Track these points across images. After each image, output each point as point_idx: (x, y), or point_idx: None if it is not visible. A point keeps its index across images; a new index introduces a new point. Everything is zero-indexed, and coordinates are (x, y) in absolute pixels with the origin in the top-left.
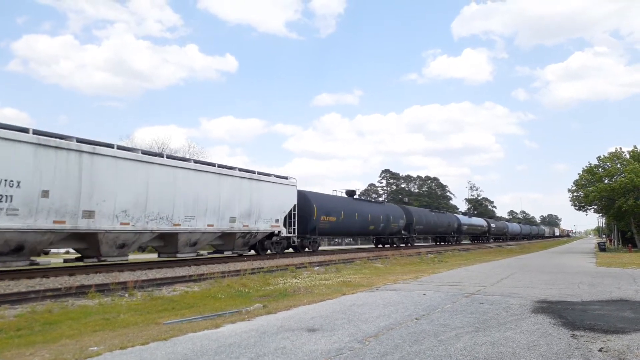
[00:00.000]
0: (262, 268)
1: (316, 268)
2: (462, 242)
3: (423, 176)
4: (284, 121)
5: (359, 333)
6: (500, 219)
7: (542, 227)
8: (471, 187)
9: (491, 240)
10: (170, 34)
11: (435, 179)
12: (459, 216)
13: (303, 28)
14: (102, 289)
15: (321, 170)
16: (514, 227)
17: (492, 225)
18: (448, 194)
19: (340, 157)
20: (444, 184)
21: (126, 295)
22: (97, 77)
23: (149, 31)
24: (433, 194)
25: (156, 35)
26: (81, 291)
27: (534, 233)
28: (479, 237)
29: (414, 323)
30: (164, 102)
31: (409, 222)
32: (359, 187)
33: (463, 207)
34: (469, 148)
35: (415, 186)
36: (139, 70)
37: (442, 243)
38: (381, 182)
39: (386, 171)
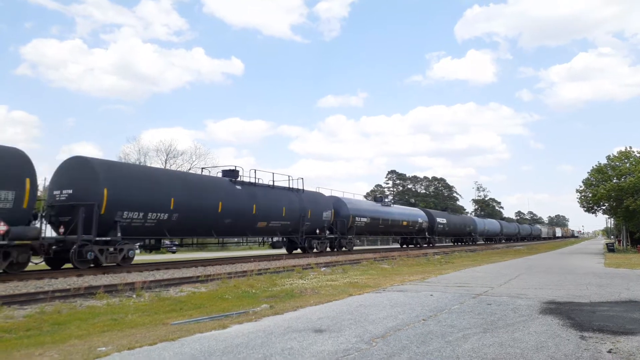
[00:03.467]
0: (269, 269)
1: (323, 269)
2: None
3: (430, 177)
4: (289, 123)
5: (366, 334)
6: (491, 216)
7: (538, 226)
8: (478, 188)
9: (436, 244)
10: (176, 38)
11: (442, 179)
12: (354, 200)
13: (308, 31)
14: (110, 289)
15: (327, 172)
16: (489, 225)
17: (440, 220)
18: (455, 194)
19: (345, 158)
20: (451, 184)
21: (134, 296)
22: (104, 81)
23: (155, 35)
24: (440, 194)
25: (163, 39)
26: (89, 292)
27: (524, 233)
28: (413, 238)
29: (421, 324)
30: (170, 105)
31: (143, 208)
32: (365, 188)
33: (470, 208)
34: (475, 149)
35: (422, 187)
36: (146, 73)
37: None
38: (387, 183)
39: (392, 172)
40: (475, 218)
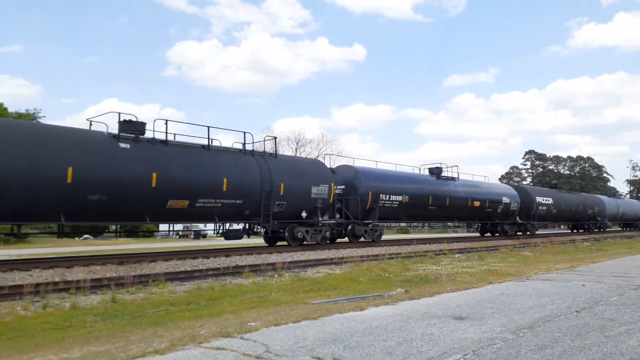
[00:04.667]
0: (400, 253)
1: (457, 255)
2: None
3: (574, 156)
4: (413, 105)
5: (511, 324)
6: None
7: None
8: (633, 167)
9: (537, 232)
10: (301, 30)
11: (589, 158)
12: (379, 171)
13: (431, 10)
14: (255, 269)
15: (455, 154)
16: (626, 206)
17: (542, 200)
18: (605, 175)
19: (475, 139)
20: (599, 164)
21: (275, 275)
22: (239, 77)
23: (282, 29)
24: (587, 176)
25: (289, 32)
26: (237, 271)
27: None
28: (497, 224)
29: (574, 316)
30: (298, 96)
31: None
32: (498, 170)
33: (624, 189)
34: (627, 123)
35: (566, 167)
36: (275, 67)
37: None
38: (525, 164)
39: (531, 152)
40: (604, 197)
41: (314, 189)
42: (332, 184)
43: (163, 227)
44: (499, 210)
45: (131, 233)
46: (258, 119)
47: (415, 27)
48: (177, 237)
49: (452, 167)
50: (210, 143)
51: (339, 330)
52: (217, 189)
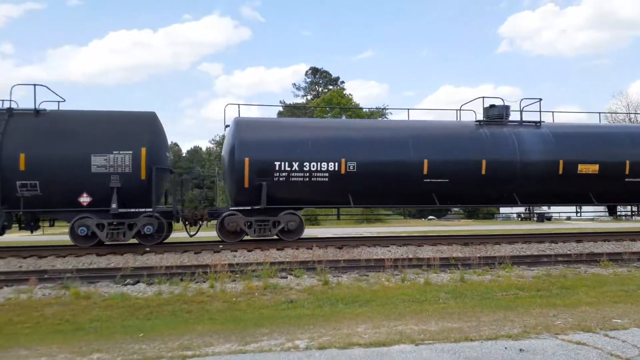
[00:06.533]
0: None
1: None
2: None
3: None
4: None
5: None
6: None
7: None
8: None
9: None
10: None
11: None
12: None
13: None
14: (615, 258)
15: None
16: None
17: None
18: None
19: None
20: None
21: None
22: (578, 38)
23: None
24: None
25: None
26: (592, 259)
27: None
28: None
29: None
30: None
31: None
32: None
33: None
34: None
35: None
36: (626, 18)
37: None
38: None
39: None
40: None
41: (97, 160)
42: (144, 150)
43: (503, 210)
44: None
45: (471, 214)
46: (604, 82)
47: None
48: (519, 219)
49: (529, 102)
50: None
51: None
52: None
